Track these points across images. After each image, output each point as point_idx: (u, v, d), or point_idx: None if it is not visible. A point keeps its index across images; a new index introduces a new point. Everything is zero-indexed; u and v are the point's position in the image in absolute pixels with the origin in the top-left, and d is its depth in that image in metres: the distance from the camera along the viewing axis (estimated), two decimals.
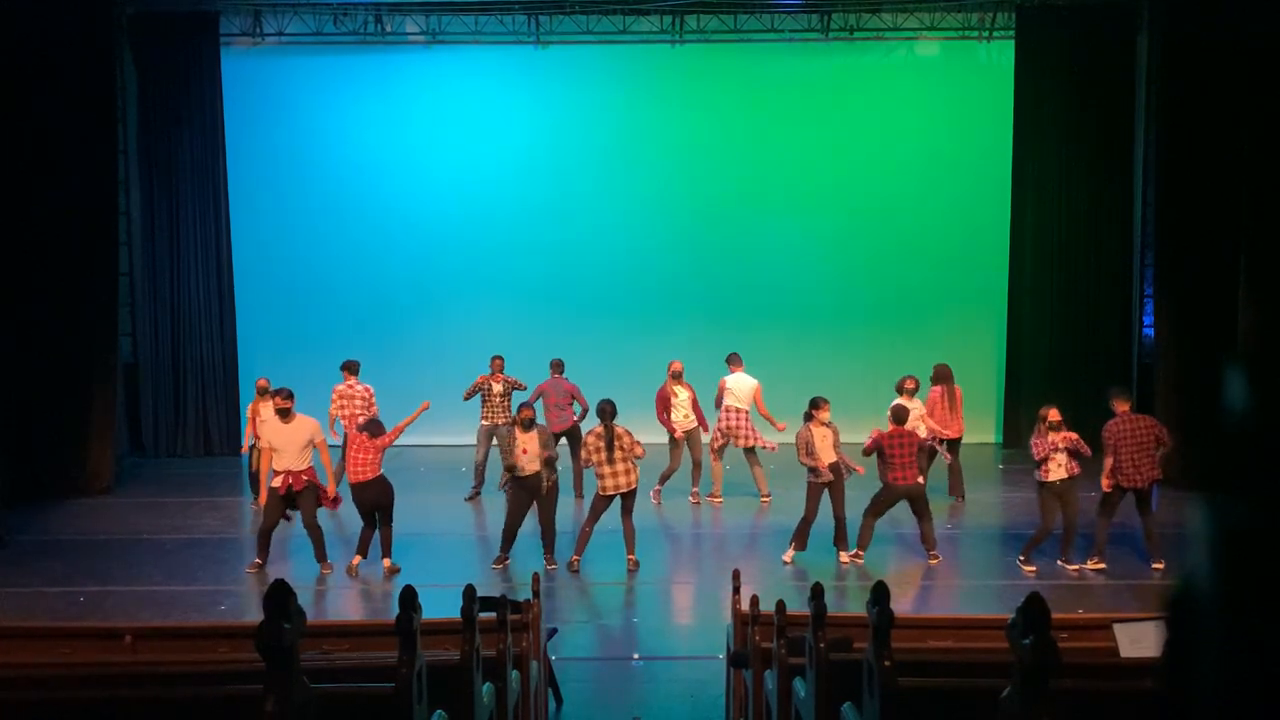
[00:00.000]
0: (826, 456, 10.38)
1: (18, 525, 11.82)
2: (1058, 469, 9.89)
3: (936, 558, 10.50)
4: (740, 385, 12.41)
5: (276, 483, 10.20)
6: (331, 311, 15.88)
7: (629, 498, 10.33)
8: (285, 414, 10.33)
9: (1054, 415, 9.85)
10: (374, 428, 10.33)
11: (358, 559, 10.35)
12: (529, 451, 10.23)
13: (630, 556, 10.44)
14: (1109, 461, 9.93)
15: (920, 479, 10.45)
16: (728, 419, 12.41)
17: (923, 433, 11.31)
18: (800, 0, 15.54)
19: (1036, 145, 15.43)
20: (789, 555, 10.58)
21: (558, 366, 12.97)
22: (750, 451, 12.48)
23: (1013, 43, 15.53)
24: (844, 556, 10.56)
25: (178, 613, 9.29)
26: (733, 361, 12.62)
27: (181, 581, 10.20)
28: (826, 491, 10.39)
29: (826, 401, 10.53)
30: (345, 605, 9.98)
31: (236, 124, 15.60)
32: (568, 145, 15.92)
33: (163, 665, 5.37)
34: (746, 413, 12.37)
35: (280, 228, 15.93)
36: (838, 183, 15.91)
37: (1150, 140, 15.02)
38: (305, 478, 10.19)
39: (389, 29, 15.84)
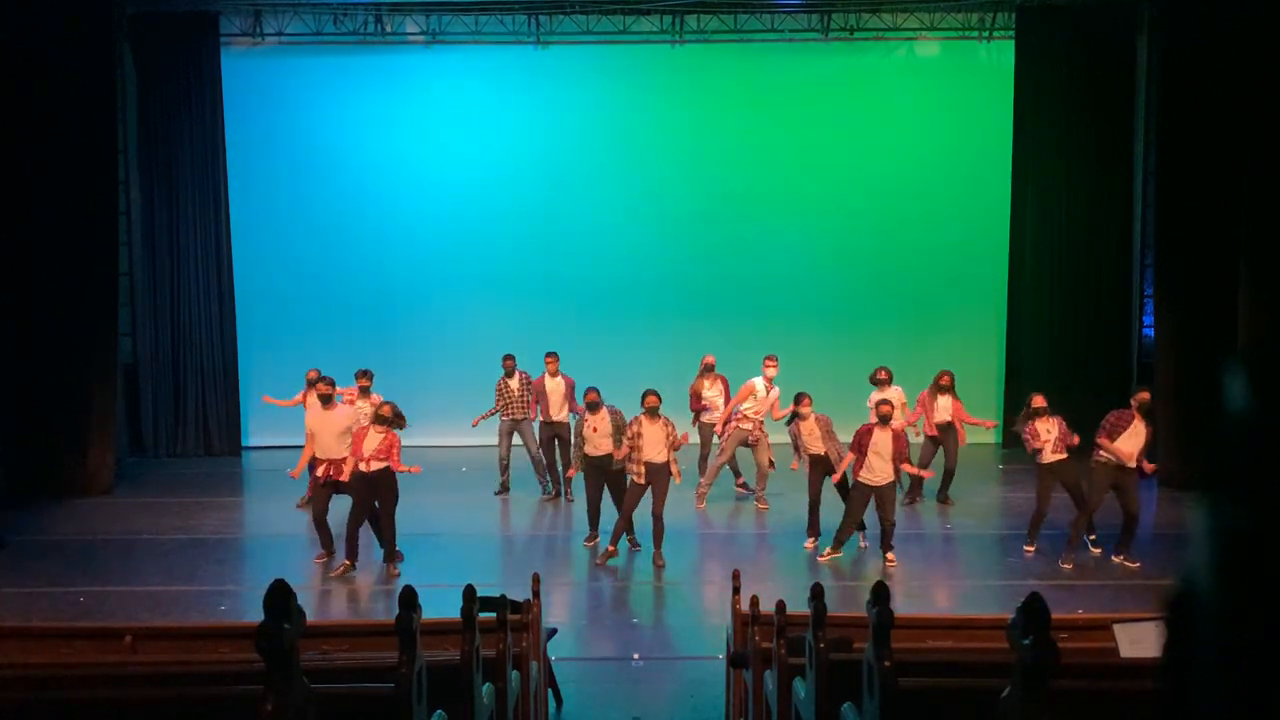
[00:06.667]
0: (813, 447, 10.81)
1: (18, 525, 11.82)
2: (1053, 451, 10.34)
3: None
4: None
5: (319, 471, 10.34)
6: (331, 311, 15.88)
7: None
8: (327, 400, 10.49)
9: (1039, 401, 10.47)
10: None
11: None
12: (599, 430, 10.70)
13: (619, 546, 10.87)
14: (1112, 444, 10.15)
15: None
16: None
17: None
18: (800, 0, 15.53)
19: (1036, 145, 15.43)
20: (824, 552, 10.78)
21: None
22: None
23: (1013, 43, 15.53)
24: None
25: (178, 613, 9.29)
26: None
27: (181, 581, 10.20)
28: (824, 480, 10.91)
29: (807, 396, 11.02)
30: (345, 605, 9.98)
31: (236, 124, 15.59)
32: (568, 145, 15.91)
33: (163, 665, 5.36)
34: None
35: (280, 227, 15.92)
36: (837, 183, 15.90)
37: (1150, 140, 15.03)
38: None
39: (389, 29, 15.83)
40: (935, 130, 15.82)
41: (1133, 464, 10.05)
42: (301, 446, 11.35)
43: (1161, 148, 14.00)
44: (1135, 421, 10.05)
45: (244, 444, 15.80)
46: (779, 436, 12.64)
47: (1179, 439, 13.12)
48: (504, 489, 13.24)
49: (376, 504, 10.29)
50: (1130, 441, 10.03)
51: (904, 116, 15.85)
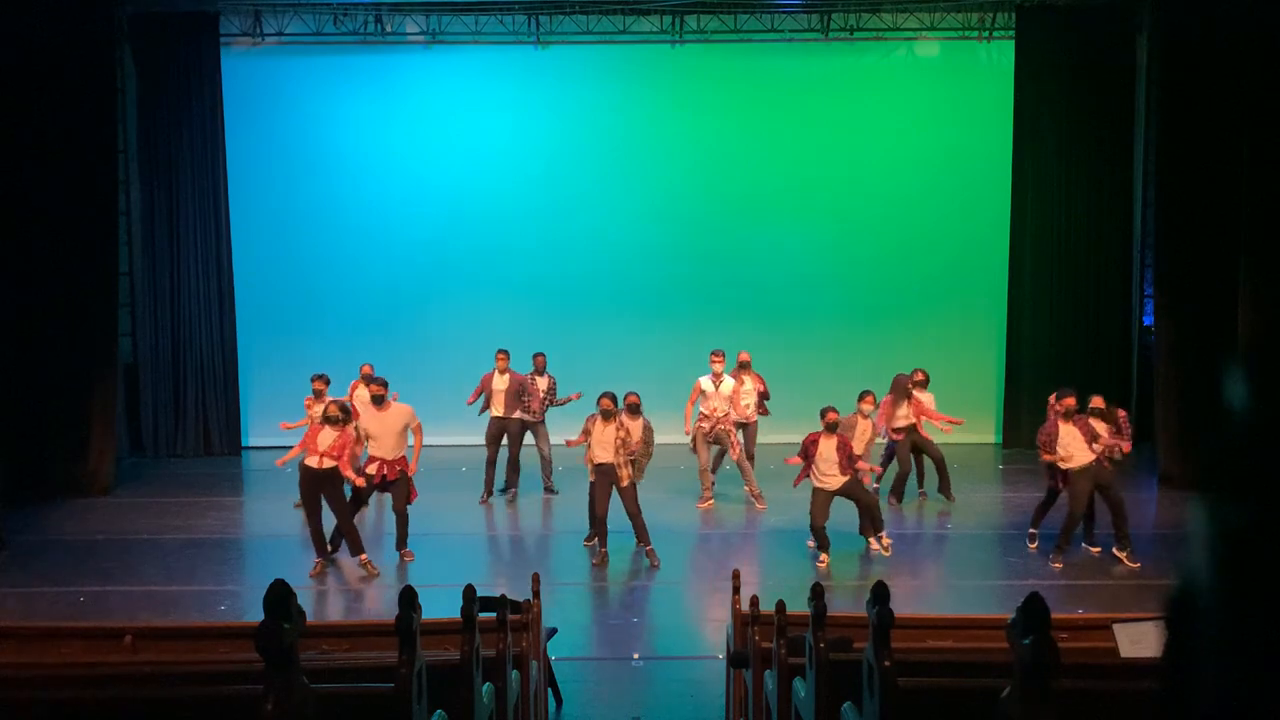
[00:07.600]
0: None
1: (18, 525, 11.82)
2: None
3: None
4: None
5: (371, 469, 10.40)
6: (331, 312, 15.88)
7: None
8: (379, 401, 10.58)
9: (1097, 402, 10.38)
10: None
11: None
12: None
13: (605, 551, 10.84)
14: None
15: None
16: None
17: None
18: (800, 0, 15.53)
19: (1036, 145, 15.43)
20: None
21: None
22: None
23: (1013, 43, 15.53)
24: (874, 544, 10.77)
25: (178, 613, 9.29)
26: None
27: (181, 581, 10.20)
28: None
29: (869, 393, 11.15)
30: (345, 605, 9.98)
31: (236, 124, 15.59)
32: (568, 145, 15.91)
33: (163, 665, 5.36)
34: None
35: (280, 228, 15.92)
36: (837, 183, 15.90)
37: (1150, 140, 15.01)
38: (399, 468, 10.45)
39: (389, 29, 15.83)
40: (935, 130, 15.82)
41: (1091, 457, 10.04)
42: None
43: (1161, 148, 14.00)
44: (1063, 425, 10.10)
45: (244, 444, 15.80)
46: (765, 436, 12.76)
47: (1179, 439, 13.12)
48: (507, 487, 13.23)
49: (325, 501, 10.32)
50: (1073, 445, 10.05)
51: (904, 116, 15.85)
